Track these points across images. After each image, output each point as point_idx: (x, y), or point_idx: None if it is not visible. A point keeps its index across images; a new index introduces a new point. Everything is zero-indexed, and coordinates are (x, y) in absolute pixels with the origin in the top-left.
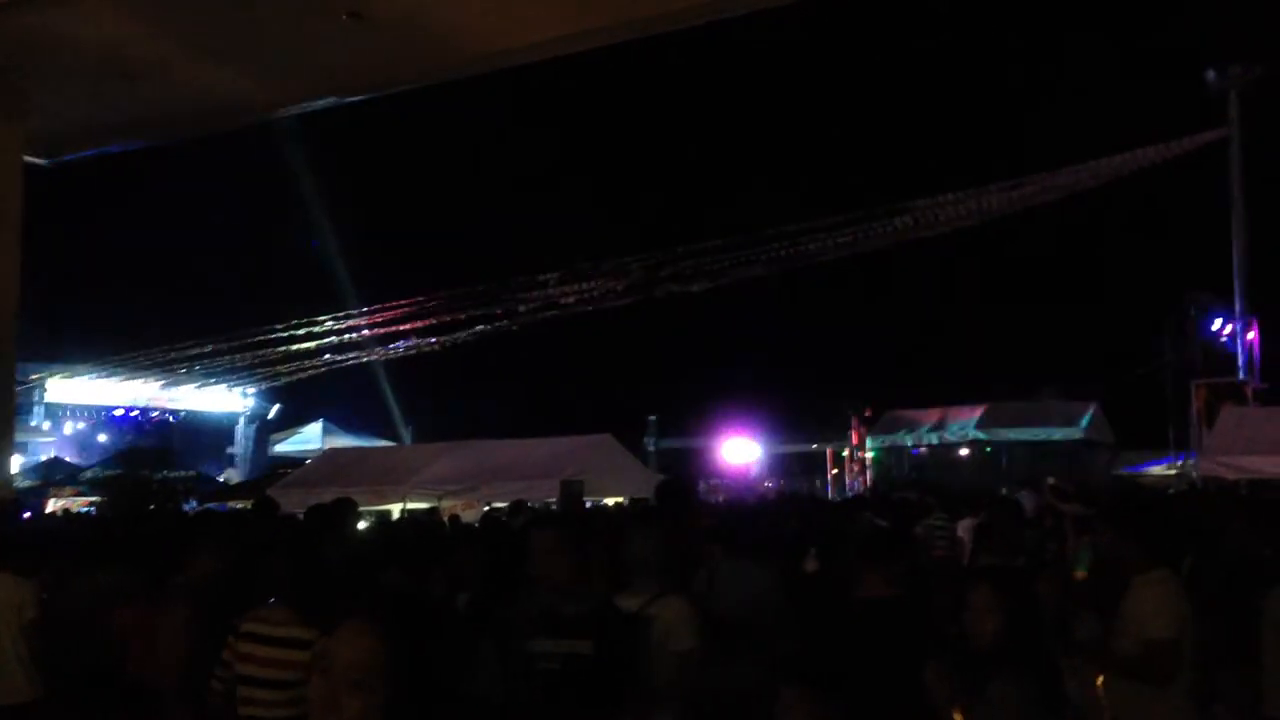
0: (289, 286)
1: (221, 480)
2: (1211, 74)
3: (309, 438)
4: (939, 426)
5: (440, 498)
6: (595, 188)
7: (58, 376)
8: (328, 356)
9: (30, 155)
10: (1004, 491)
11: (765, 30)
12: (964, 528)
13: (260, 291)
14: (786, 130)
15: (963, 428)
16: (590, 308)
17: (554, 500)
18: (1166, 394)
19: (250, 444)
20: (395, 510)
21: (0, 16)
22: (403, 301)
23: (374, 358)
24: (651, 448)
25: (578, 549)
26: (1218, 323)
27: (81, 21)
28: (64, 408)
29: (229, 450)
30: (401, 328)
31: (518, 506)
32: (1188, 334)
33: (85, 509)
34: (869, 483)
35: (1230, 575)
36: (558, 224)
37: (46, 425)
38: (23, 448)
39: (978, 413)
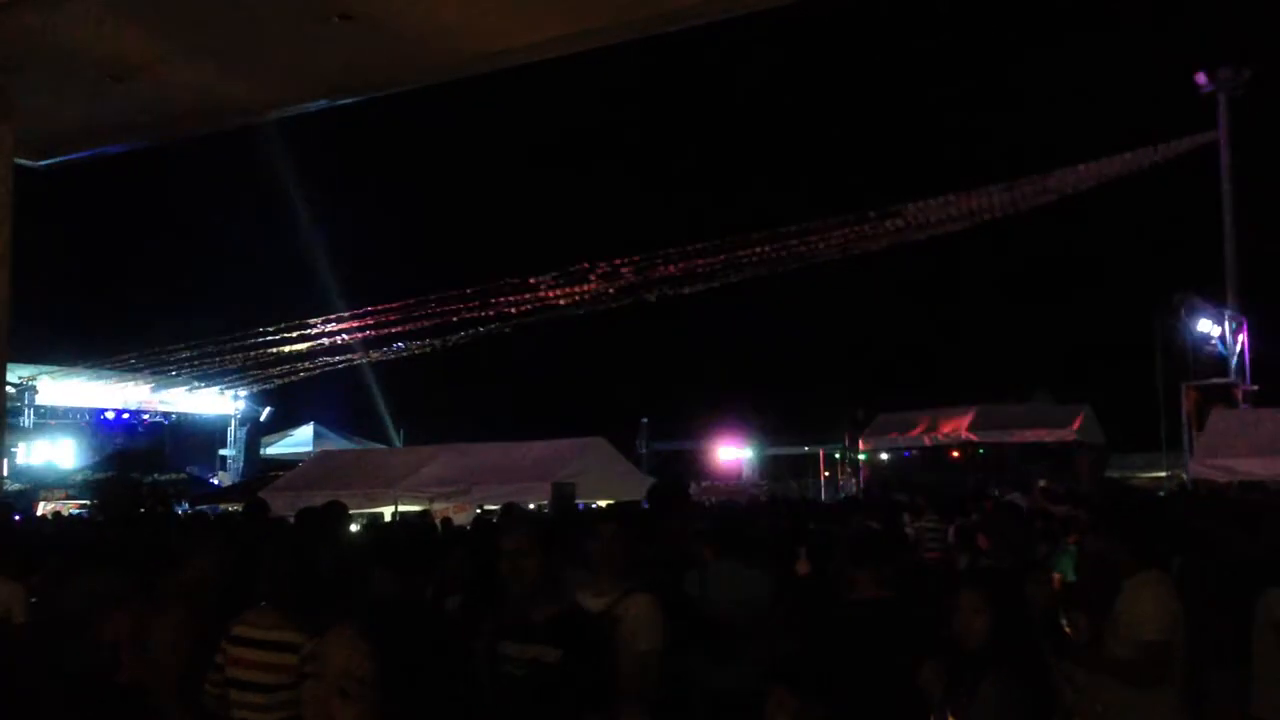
0: (281, 289)
1: (213, 483)
2: (1201, 77)
3: (300, 440)
4: (931, 429)
5: (432, 500)
6: (591, 188)
7: (49, 378)
8: (319, 359)
9: (21, 157)
10: (995, 493)
11: (760, 31)
12: (957, 531)
13: (252, 294)
14: (781, 131)
15: (955, 430)
16: (582, 310)
17: (546, 503)
18: (1158, 396)
19: (242, 447)
20: (387, 513)
21: None
22: (394, 304)
23: (365, 359)
24: (643, 450)
25: (547, 551)
26: (1207, 325)
27: (71, 23)
28: (55, 410)
29: (220, 453)
30: (393, 330)
31: (509, 509)
32: (1178, 336)
33: (76, 512)
34: (861, 485)
35: (1221, 577)
36: (552, 225)
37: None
38: (13, 450)
39: (969, 415)
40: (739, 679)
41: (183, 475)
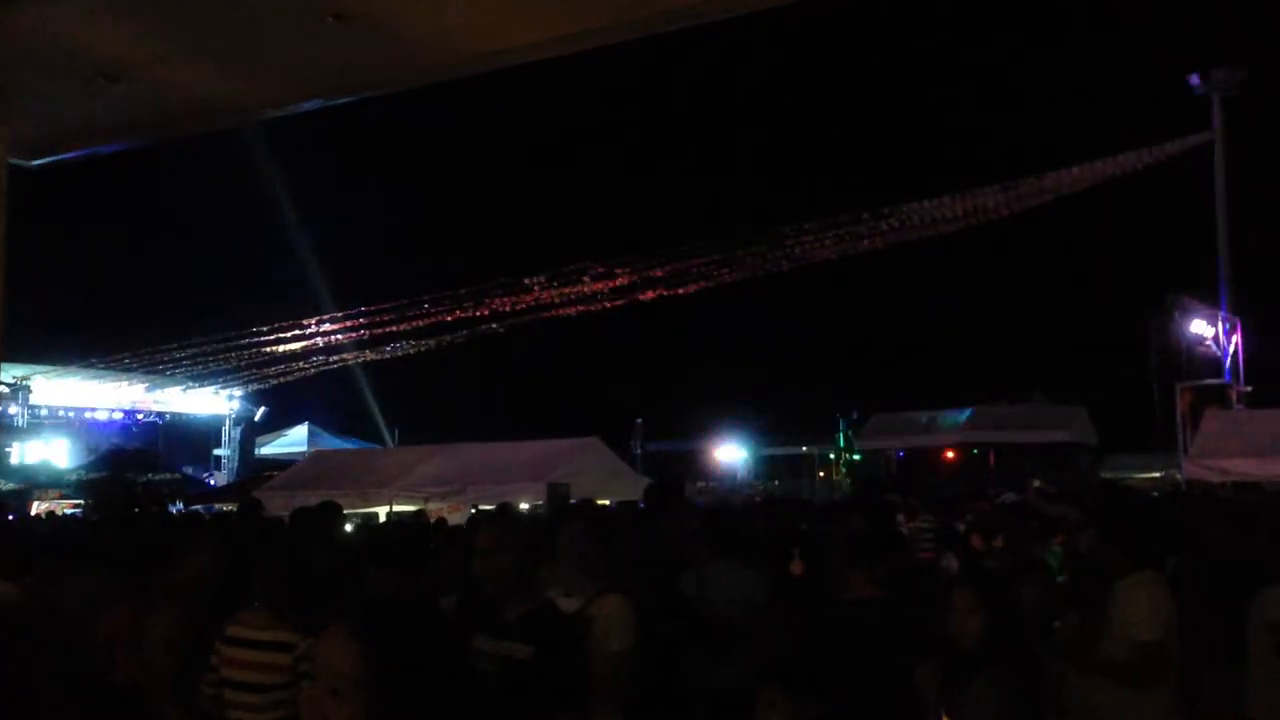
0: (275, 289)
1: (208, 483)
2: (1195, 79)
3: (295, 440)
4: (926, 429)
5: (426, 500)
6: (586, 187)
7: (44, 378)
8: (314, 359)
9: (14, 157)
10: (990, 494)
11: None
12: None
13: (247, 294)
14: (780, 131)
15: (949, 430)
16: (576, 311)
17: (541, 503)
18: (1152, 397)
19: (236, 446)
20: (381, 513)
21: None
22: (388, 304)
23: (360, 359)
24: (638, 450)
25: (519, 549)
26: (1201, 326)
27: (63, 22)
28: (50, 409)
29: (215, 453)
30: (388, 330)
31: (504, 509)
32: (1172, 337)
33: (71, 511)
34: (856, 485)
35: (1215, 577)
36: (547, 224)
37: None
38: (7, 450)
39: (964, 415)
40: (735, 679)
41: (177, 475)
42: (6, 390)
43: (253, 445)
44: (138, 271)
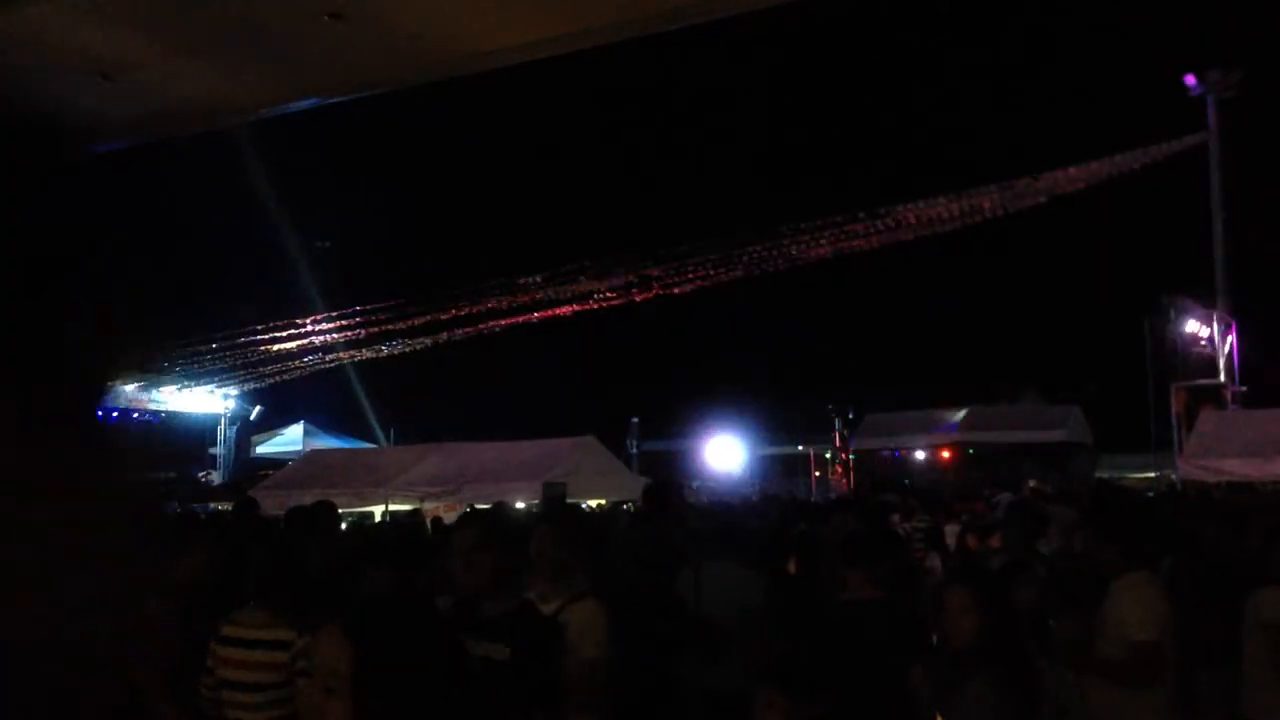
0: (271, 287)
1: (203, 481)
2: (1191, 79)
3: (290, 439)
4: (921, 429)
5: (422, 500)
6: (582, 187)
7: None
8: (309, 358)
9: None
10: (985, 494)
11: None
12: (951, 533)
13: (243, 292)
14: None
15: (945, 430)
16: (572, 311)
17: (537, 502)
18: (1147, 397)
19: (231, 445)
20: (377, 512)
21: None
22: (384, 303)
23: (356, 358)
24: (634, 450)
25: (500, 549)
26: (1196, 326)
27: (59, 21)
28: None
29: (210, 451)
30: (384, 328)
31: (498, 508)
32: (1167, 337)
33: None
34: (852, 485)
35: (1210, 578)
36: (544, 224)
37: None
38: None
39: (960, 415)
40: (733, 679)
41: (172, 474)
42: None
43: (248, 444)
44: (131, 269)
